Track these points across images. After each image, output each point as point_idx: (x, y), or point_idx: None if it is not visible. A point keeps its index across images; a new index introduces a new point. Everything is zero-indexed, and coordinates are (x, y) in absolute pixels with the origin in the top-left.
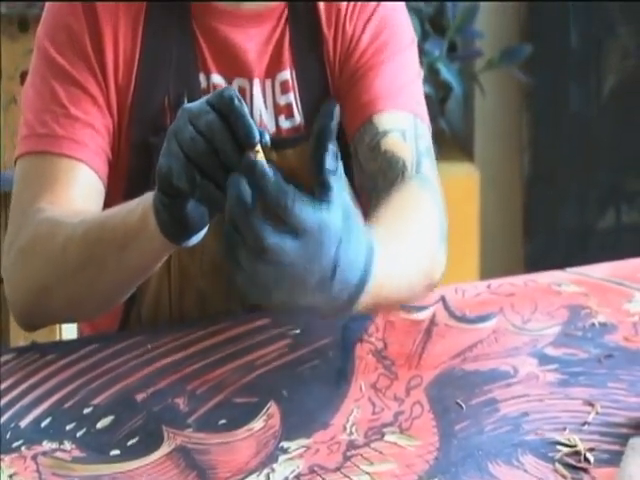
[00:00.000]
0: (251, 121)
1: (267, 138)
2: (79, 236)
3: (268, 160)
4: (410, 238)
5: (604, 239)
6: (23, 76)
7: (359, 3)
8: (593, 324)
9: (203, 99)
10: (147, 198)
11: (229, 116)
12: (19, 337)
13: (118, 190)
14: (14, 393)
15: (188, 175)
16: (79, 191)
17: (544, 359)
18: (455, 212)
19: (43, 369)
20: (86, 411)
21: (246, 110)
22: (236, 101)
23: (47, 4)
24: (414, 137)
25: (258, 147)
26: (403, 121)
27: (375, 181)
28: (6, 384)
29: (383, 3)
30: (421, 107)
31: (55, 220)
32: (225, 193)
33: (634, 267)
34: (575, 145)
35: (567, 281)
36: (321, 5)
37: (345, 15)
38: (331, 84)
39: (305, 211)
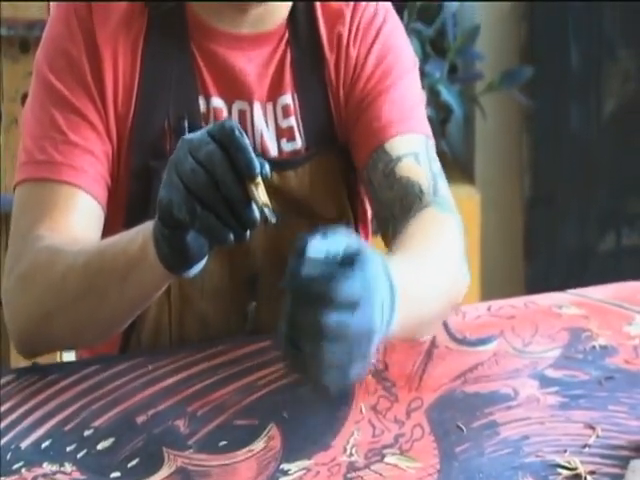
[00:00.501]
0: (252, 153)
1: (267, 170)
2: (79, 265)
3: (268, 187)
4: (434, 265)
5: (604, 261)
6: (24, 98)
7: (361, 27)
8: (594, 346)
9: (203, 130)
10: (147, 227)
11: (230, 148)
12: (20, 358)
13: (119, 215)
14: (15, 415)
15: (188, 207)
16: (78, 218)
17: (545, 381)
18: None
19: (44, 391)
20: (87, 433)
21: (247, 142)
22: (237, 132)
23: (46, 29)
24: (427, 159)
25: (259, 179)
26: (415, 144)
27: (392, 209)
28: (7, 406)
29: (385, 27)
30: (428, 127)
31: (55, 248)
32: (225, 225)
33: (634, 289)
34: (575, 167)
35: (568, 303)
36: (322, 27)
37: (348, 39)
38: (333, 108)
39: (351, 283)
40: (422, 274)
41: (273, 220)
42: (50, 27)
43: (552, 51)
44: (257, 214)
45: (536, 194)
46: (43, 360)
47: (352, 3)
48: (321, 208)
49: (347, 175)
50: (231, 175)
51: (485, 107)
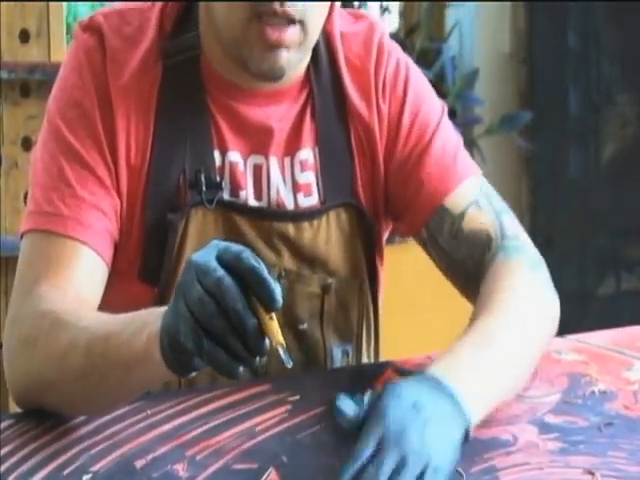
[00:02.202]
0: (274, 284)
1: (280, 302)
2: (82, 346)
3: (284, 238)
4: (518, 317)
5: (603, 305)
6: (25, 141)
7: (388, 81)
8: (593, 392)
9: (211, 251)
10: (152, 323)
11: (249, 279)
12: None
13: (133, 267)
14: (15, 458)
15: (196, 338)
16: (81, 274)
17: (544, 427)
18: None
19: (43, 435)
20: (85, 477)
21: (266, 272)
22: (255, 262)
23: (59, 77)
24: (487, 200)
25: (273, 313)
26: (472, 191)
27: (465, 266)
28: (7, 449)
29: (410, 78)
30: (474, 164)
31: (57, 317)
32: (234, 357)
33: (633, 335)
34: (574, 211)
35: (567, 349)
36: (347, 82)
37: (377, 94)
38: (357, 165)
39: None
40: (510, 334)
41: (289, 365)
42: (63, 76)
43: (551, 96)
44: (268, 344)
45: (535, 237)
46: None
47: (374, 57)
48: (335, 263)
49: (363, 231)
50: (242, 303)
51: (484, 151)
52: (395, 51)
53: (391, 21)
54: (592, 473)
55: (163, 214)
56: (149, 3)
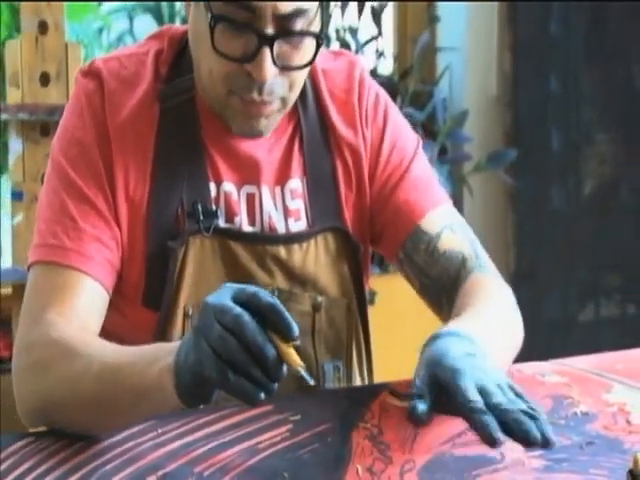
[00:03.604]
0: (289, 317)
1: (297, 332)
2: (94, 374)
3: (276, 260)
4: (491, 326)
5: (584, 332)
6: (44, 178)
7: (369, 111)
8: (575, 413)
9: (225, 293)
10: (163, 357)
11: (266, 312)
12: None
13: (137, 292)
14: (33, 474)
15: (220, 372)
16: (84, 302)
17: None
18: None
19: (60, 452)
20: None
21: (281, 305)
22: (271, 299)
23: (62, 119)
24: (460, 227)
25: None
26: (445, 215)
27: (441, 282)
28: (26, 466)
29: (389, 110)
30: (445, 193)
31: (67, 345)
32: (258, 386)
33: (613, 360)
34: (557, 243)
35: (550, 372)
36: (332, 114)
37: (361, 123)
38: (342, 190)
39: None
40: (484, 335)
41: (311, 382)
42: (65, 117)
43: (535, 135)
44: (285, 371)
45: (520, 268)
46: None
47: (357, 90)
48: (324, 282)
49: (349, 253)
50: (262, 336)
51: (472, 186)
52: (374, 85)
53: (386, 65)
54: None
55: (163, 242)
56: (145, 49)
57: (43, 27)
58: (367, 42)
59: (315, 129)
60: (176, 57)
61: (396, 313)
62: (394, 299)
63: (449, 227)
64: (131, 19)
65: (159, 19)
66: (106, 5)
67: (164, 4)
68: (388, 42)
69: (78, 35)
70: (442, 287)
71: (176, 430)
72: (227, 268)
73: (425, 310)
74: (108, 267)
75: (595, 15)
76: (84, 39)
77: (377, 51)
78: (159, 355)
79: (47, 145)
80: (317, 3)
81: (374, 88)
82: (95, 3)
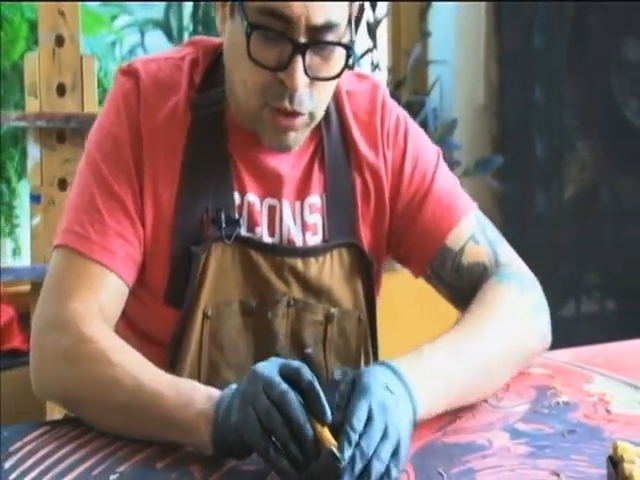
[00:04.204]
0: (324, 400)
1: (330, 417)
2: (127, 390)
3: (294, 272)
4: (494, 331)
5: (566, 327)
6: (61, 182)
7: (391, 132)
8: (558, 403)
9: (274, 367)
10: (201, 402)
11: (307, 395)
12: (54, 411)
13: (159, 291)
14: (50, 460)
15: (264, 445)
16: (105, 294)
17: (515, 433)
18: (436, 301)
19: (75, 440)
20: (112, 477)
21: (319, 389)
22: (313, 382)
23: (99, 116)
24: (482, 232)
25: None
26: (469, 226)
27: (466, 292)
28: (43, 452)
29: (409, 129)
30: (469, 198)
31: (100, 346)
32: (292, 463)
33: (593, 353)
34: (540, 244)
35: (535, 364)
36: (356, 135)
37: (383, 144)
38: (360, 210)
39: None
40: (482, 345)
41: (344, 462)
42: (103, 113)
43: (520, 142)
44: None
45: None
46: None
47: (379, 112)
48: (337, 295)
49: (363, 268)
50: (303, 417)
51: None
52: (395, 107)
53: (381, 76)
54: (557, 474)
55: (187, 246)
56: (181, 54)
57: (60, 40)
58: (363, 55)
59: (337, 148)
60: (209, 68)
61: (394, 311)
62: (393, 297)
63: (472, 238)
64: (142, 33)
65: (169, 34)
66: (119, 20)
67: (173, 19)
68: (383, 55)
69: (92, 48)
70: (467, 297)
71: None
72: (246, 275)
73: (423, 308)
74: (130, 263)
75: (576, 28)
76: (98, 52)
77: (372, 63)
78: (196, 398)
79: (63, 151)
80: (346, 19)
81: (395, 110)
82: (109, 18)
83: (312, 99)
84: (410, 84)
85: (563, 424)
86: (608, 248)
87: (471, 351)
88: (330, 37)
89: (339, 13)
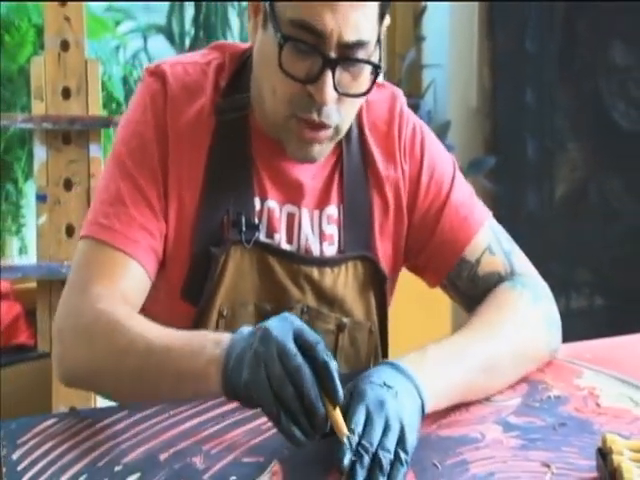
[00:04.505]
0: (338, 382)
1: (342, 399)
2: (139, 352)
3: (310, 280)
4: (503, 335)
5: None
6: (66, 182)
7: (407, 144)
8: (549, 397)
9: (288, 329)
10: (211, 348)
11: (321, 373)
12: (60, 404)
13: (177, 287)
14: (56, 452)
15: (275, 412)
16: (128, 282)
17: (507, 426)
18: (430, 293)
19: (80, 432)
20: (117, 469)
21: (335, 370)
22: (329, 361)
23: (127, 112)
24: (497, 242)
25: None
26: (485, 237)
27: (479, 301)
28: (49, 444)
29: (426, 140)
30: (485, 207)
31: (112, 317)
32: (302, 431)
33: (583, 348)
34: (531, 242)
35: None
36: (373, 147)
37: (400, 156)
38: (377, 218)
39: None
40: (488, 346)
41: (354, 443)
42: (130, 110)
43: (512, 143)
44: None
45: None
46: (79, 406)
47: (397, 122)
48: (350, 305)
49: (377, 282)
50: (315, 394)
51: None
52: (412, 117)
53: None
54: (548, 466)
55: (207, 246)
56: (207, 59)
57: (65, 45)
58: None
59: (357, 160)
60: (235, 74)
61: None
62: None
63: (488, 249)
64: (145, 38)
65: (171, 39)
66: (123, 25)
67: (175, 25)
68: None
69: (97, 52)
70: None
71: (186, 412)
72: (262, 279)
73: (420, 310)
74: (152, 254)
75: (566, 34)
76: (102, 56)
77: None
78: (206, 344)
79: (69, 153)
80: (375, 38)
81: (412, 119)
82: (113, 24)
83: (338, 113)
84: (405, 87)
85: (554, 417)
86: (597, 246)
87: (477, 354)
88: (360, 55)
89: (369, 32)
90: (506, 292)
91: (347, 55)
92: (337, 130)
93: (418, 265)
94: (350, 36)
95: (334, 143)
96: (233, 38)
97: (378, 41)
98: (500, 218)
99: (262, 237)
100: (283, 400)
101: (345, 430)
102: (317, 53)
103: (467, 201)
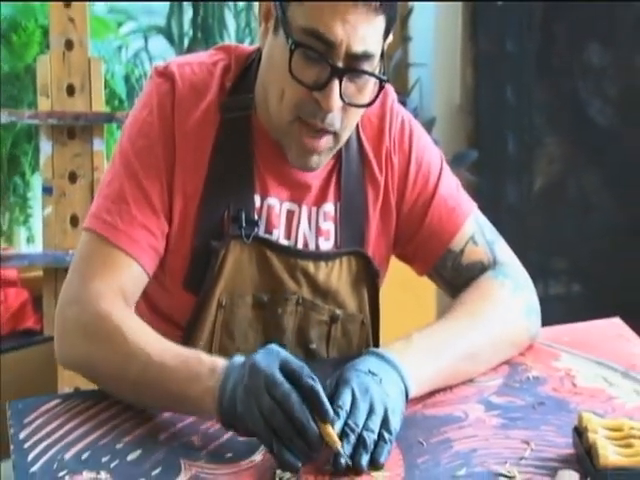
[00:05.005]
0: (325, 400)
1: (332, 416)
2: (138, 366)
3: (306, 274)
4: (482, 323)
5: None
6: (71, 175)
7: (396, 138)
8: (528, 378)
9: (274, 361)
10: (206, 377)
11: (309, 396)
12: (65, 385)
13: (179, 277)
14: (60, 432)
15: (267, 439)
16: (127, 279)
17: (489, 406)
18: (416, 277)
19: (84, 412)
20: (118, 446)
21: (321, 390)
22: (314, 384)
23: (134, 110)
24: (481, 233)
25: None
26: (469, 228)
27: (462, 289)
28: (54, 424)
29: (414, 133)
30: (469, 198)
31: (115, 324)
32: (295, 456)
33: (560, 332)
34: (511, 232)
35: None
36: (367, 146)
37: (391, 150)
38: (375, 218)
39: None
40: (470, 333)
41: (348, 461)
42: (137, 108)
43: (493, 138)
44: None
45: None
46: (83, 387)
47: (388, 118)
48: (343, 298)
49: (369, 276)
50: (306, 417)
51: None
52: (402, 111)
53: None
54: (528, 443)
55: (208, 240)
56: (213, 59)
57: (69, 45)
58: None
59: (355, 160)
60: (240, 75)
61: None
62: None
63: (472, 239)
64: (146, 39)
65: (170, 39)
66: (125, 26)
67: (174, 26)
68: None
69: (100, 52)
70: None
71: None
72: (260, 272)
73: (406, 293)
74: (151, 253)
75: (544, 36)
76: (105, 55)
77: None
78: (201, 372)
79: (73, 147)
80: (380, 52)
81: (401, 113)
82: (115, 25)
83: (340, 121)
84: (392, 85)
85: (533, 397)
86: (573, 236)
87: (460, 342)
88: (366, 66)
89: (375, 45)
90: (488, 282)
91: (354, 66)
92: (337, 138)
93: (406, 254)
94: (358, 47)
95: (333, 153)
96: (230, 38)
97: (382, 56)
98: (481, 209)
99: (261, 232)
100: (275, 427)
101: (338, 441)
102: (325, 62)
103: (454, 193)
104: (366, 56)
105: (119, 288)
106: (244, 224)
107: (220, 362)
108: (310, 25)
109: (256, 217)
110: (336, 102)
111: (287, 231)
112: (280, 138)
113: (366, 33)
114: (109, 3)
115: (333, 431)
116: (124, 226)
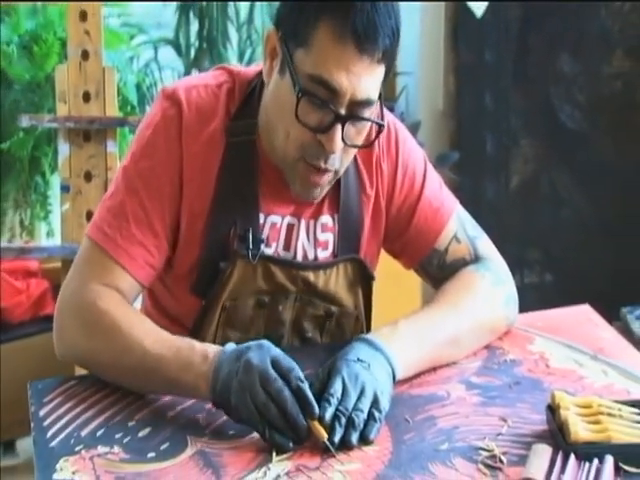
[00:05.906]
0: (312, 398)
1: (317, 413)
2: (136, 356)
3: (305, 282)
4: (461, 312)
5: None
6: (86, 175)
7: (384, 144)
8: (505, 360)
9: (266, 358)
10: (199, 364)
11: (297, 394)
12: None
13: (187, 282)
14: (77, 410)
15: (262, 429)
16: (124, 287)
17: (470, 385)
18: (402, 268)
19: (99, 392)
20: (130, 424)
21: (308, 389)
22: (302, 384)
23: (140, 130)
24: (463, 230)
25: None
26: (452, 226)
27: (447, 284)
28: (70, 403)
29: (399, 136)
30: (452, 195)
31: (112, 318)
32: (288, 439)
33: (534, 318)
34: (490, 226)
35: None
36: (361, 160)
37: (380, 157)
38: (367, 224)
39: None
40: (452, 321)
41: (333, 451)
42: (143, 127)
43: (473, 140)
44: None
45: None
46: None
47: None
48: (340, 298)
49: (364, 280)
50: (296, 408)
51: None
52: (386, 115)
53: None
54: (505, 420)
55: (215, 253)
56: (218, 81)
57: (85, 55)
58: None
59: (350, 173)
60: (244, 101)
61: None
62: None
63: (455, 237)
64: (155, 50)
65: (178, 50)
66: (136, 39)
67: (181, 38)
68: None
69: (113, 61)
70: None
71: None
72: (264, 281)
73: (392, 282)
74: (148, 269)
75: (520, 46)
76: (118, 65)
77: None
78: (194, 360)
79: (89, 148)
80: (377, 96)
81: (386, 118)
82: (127, 37)
83: (340, 160)
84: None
85: (510, 377)
86: (547, 229)
87: (443, 329)
88: (366, 111)
89: (375, 91)
90: (470, 274)
91: (356, 112)
92: (336, 174)
93: (394, 250)
94: (361, 95)
95: (332, 184)
96: (232, 50)
97: (379, 98)
98: (463, 205)
99: (263, 246)
100: (268, 419)
101: (324, 434)
102: (329, 108)
103: (437, 193)
104: (368, 103)
105: (116, 289)
106: (251, 245)
107: (212, 348)
108: (317, 73)
109: (262, 236)
110: (338, 145)
111: (286, 243)
112: (284, 170)
113: (369, 82)
114: (122, 18)
115: (320, 427)
116: (123, 242)
